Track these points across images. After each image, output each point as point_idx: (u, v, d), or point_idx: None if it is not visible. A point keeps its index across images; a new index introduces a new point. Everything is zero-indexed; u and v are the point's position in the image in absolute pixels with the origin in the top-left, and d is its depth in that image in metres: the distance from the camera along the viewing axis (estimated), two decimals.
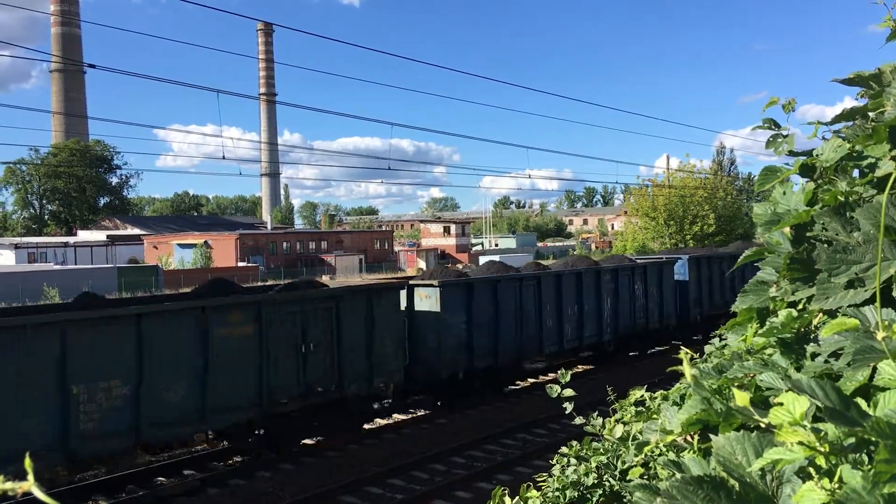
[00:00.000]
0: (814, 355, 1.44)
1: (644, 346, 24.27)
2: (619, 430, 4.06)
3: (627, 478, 1.82)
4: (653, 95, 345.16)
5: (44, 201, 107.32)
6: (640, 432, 3.50)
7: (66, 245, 78.67)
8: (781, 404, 1.03)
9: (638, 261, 24.67)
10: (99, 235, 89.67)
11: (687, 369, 1.31)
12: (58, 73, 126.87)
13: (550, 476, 4.09)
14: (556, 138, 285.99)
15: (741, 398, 1.10)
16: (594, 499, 3.76)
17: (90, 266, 63.36)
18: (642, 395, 4.61)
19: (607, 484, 3.77)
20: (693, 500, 1.04)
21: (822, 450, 0.96)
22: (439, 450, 14.26)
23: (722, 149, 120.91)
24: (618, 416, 4.34)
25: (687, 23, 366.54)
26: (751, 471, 1.07)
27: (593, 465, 3.85)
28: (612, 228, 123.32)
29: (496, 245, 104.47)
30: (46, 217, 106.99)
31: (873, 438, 0.84)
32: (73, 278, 49.23)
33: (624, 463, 3.80)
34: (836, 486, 0.94)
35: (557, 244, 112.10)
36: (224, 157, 29.68)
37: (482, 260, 62.25)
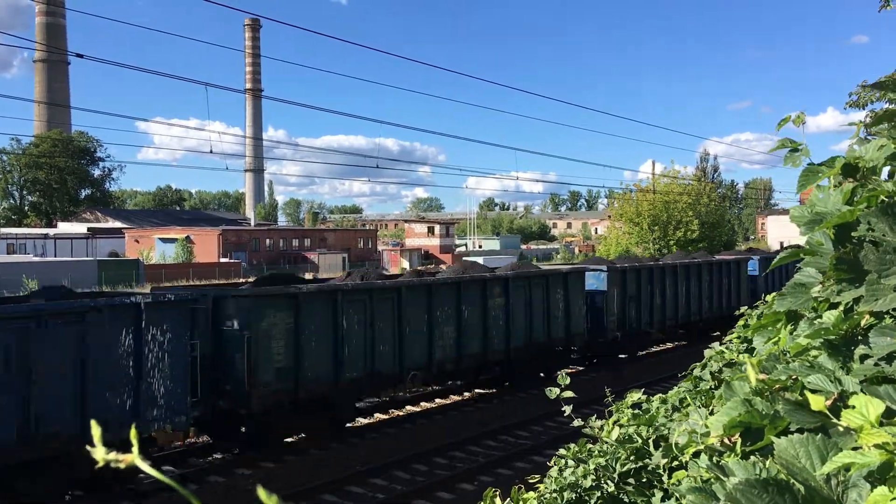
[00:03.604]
0: (863, 357, 1.41)
1: (727, 326, 28.13)
2: (615, 433, 4.04)
3: (672, 481, 1.79)
4: (641, 100, 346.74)
5: (24, 192, 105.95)
6: (661, 435, 3.48)
7: (45, 237, 77.76)
8: (851, 407, 1.00)
9: (717, 258, 30.01)
10: (79, 228, 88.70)
11: (752, 374, 1.27)
12: (41, 62, 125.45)
13: (548, 477, 4.06)
14: (542, 140, 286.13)
15: (816, 402, 1.07)
16: (592, 501, 3.73)
17: (70, 259, 62.69)
18: (639, 398, 4.61)
19: (605, 487, 3.74)
20: None
21: None
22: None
23: (706, 155, 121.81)
24: (615, 418, 4.33)
25: (678, 29, 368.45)
26: (818, 474, 1.04)
27: (591, 467, 3.82)
28: (596, 232, 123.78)
29: (480, 246, 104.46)
30: (26, 208, 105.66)
31: None
32: (52, 270, 48.68)
33: (623, 465, 3.79)
34: None
35: (541, 247, 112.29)
36: (211, 151, 29.46)
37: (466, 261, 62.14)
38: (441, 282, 17.10)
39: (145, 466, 0.62)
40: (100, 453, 0.60)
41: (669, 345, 27.41)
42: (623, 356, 23.17)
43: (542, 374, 19.74)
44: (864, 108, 18.06)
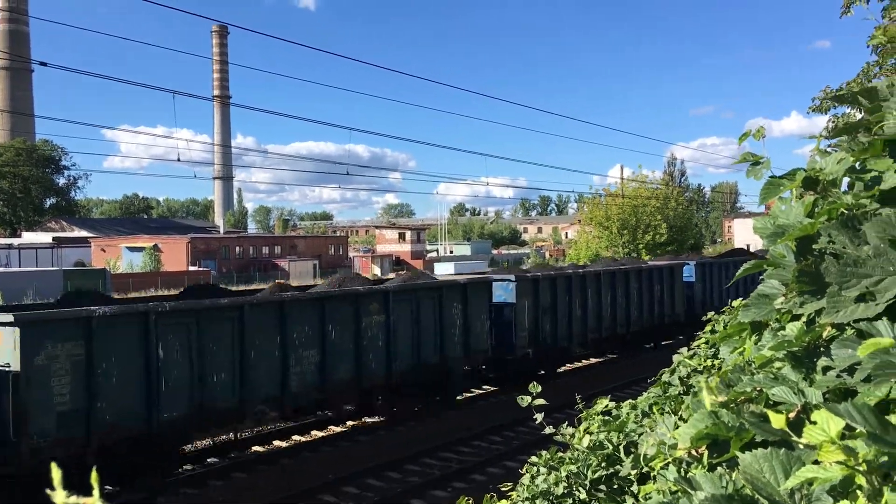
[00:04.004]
0: (825, 369, 1.43)
1: (659, 337, 26.81)
2: (586, 440, 4.07)
3: (642, 495, 1.80)
4: (608, 106, 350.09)
5: None
6: (632, 441, 3.51)
7: (10, 247, 76.42)
8: (814, 422, 1.01)
9: (649, 263, 28.28)
10: (44, 237, 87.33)
11: (707, 397, 1.29)
12: (4, 70, 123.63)
13: (520, 484, 4.07)
14: (512, 146, 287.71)
15: (777, 420, 1.09)
16: None
17: (35, 269, 61.64)
18: (607, 405, 4.64)
19: (577, 494, 3.76)
20: None
21: (862, 469, 0.95)
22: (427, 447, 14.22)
23: (673, 160, 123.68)
24: (584, 425, 4.35)
25: (641, 36, 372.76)
26: (782, 489, 1.06)
27: (563, 474, 3.84)
28: (566, 237, 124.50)
29: (451, 252, 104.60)
30: None
31: None
32: (16, 281, 47.84)
33: (594, 472, 3.81)
34: None
35: (512, 252, 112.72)
36: (179, 160, 29.19)
37: (437, 266, 62.25)
38: (297, 299, 14.71)
39: None
40: (60, 497, 0.58)
41: (593, 360, 25.33)
42: (541, 373, 21.01)
43: (438, 399, 17.96)
44: (826, 113, 18.41)
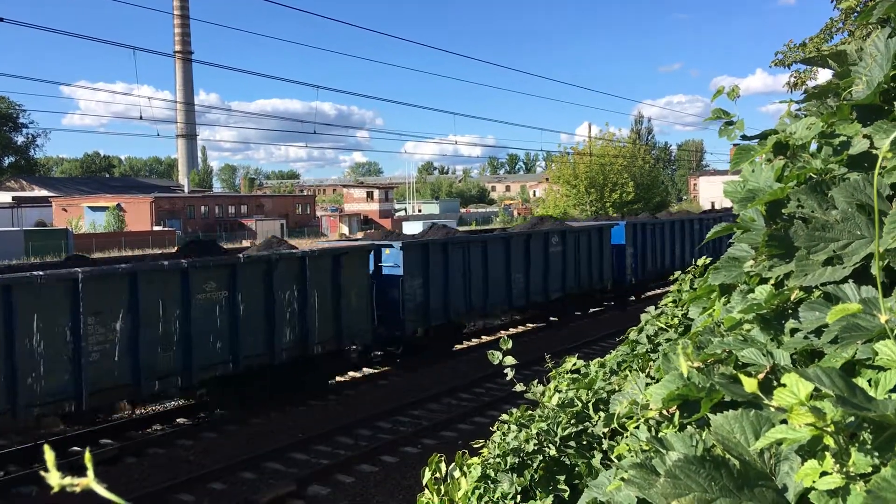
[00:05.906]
0: (793, 331, 1.47)
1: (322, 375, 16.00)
2: (555, 399, 4.14)
3: (615, 455, 1.84)
4: (575, 63, 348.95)
5: None
6: (601, 399, 3.58)
7: None
8: (783, 385, 1.05)
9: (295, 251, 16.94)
10: (3, 197, 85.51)
11: (683, 363, 1.32)
12: None
13: (491, 441, 4.14)
14: (480, 104, 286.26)
15: (749, 384, 1.12)
16: (534, 465, 3.83)
17: None
18: (575, 363, 4.71)
19: (547, 450, 3.84)
20: (696, 480, 1.05)
21: (830, 430, 0.99)
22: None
23: (640, 118, 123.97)
24: (554, 384, 4.42)
25: None
26: (752, 449, 1.09)
27: (534, 431, 3.91)
28: (534, 195, 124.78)
29: (419, 211, 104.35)
30: None
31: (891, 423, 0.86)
32: None
33: (564, 430, 3.89)
34: (849, 469, 0.96)
35: (480, 210, 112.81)
36: (141, 117, 28.52)
37: (405, 226, 62.13)
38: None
39: (101, 490, 0.61)
40: (55, 478, 0.58)
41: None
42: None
43: None
44: (789, 68, 18.62)
